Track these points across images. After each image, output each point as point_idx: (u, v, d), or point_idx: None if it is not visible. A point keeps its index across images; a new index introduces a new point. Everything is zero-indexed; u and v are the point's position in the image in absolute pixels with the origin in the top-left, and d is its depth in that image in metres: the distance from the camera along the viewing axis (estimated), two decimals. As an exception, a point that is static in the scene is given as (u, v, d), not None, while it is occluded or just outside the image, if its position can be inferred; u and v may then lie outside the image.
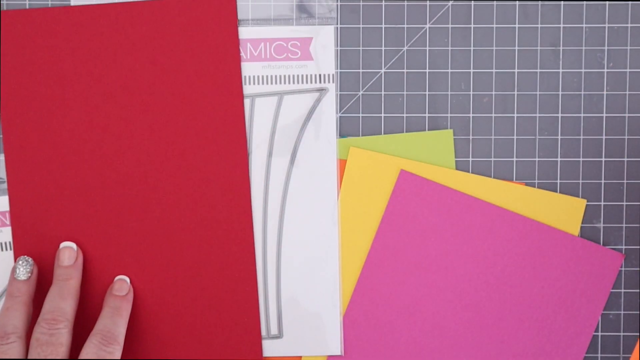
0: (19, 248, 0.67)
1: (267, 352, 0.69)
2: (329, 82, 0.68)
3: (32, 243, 0.67)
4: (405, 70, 0.69)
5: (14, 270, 0.65)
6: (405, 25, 0.69)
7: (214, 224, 0.68)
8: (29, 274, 0.65)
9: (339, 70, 0.68)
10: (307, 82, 0.68)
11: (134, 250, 0.68)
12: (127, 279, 0.68)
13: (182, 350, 0.68)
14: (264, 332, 0.69)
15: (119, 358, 0.64)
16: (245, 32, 0.68)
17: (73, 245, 0.67)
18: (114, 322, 0.65)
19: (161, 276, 0.68)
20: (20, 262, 0.66)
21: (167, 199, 0.67)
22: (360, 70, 0.69)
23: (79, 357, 0.63)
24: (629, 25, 0.69)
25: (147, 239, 0.68)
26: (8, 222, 0.68)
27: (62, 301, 0.64)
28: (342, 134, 0.69)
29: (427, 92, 0.69)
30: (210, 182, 0.67)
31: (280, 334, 0.69)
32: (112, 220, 0.67)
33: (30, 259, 0.66)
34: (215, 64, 0.67)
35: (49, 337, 0.62)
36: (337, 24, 0.68)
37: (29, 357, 0.62)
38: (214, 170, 0.67)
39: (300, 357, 0.69)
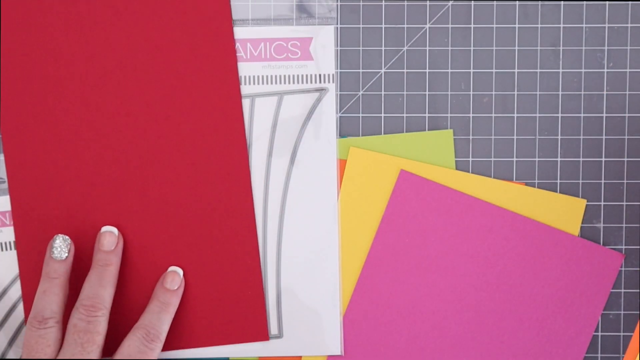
0: (22, 247, 0.67)
1: (267, 352, 0.69)
2: (328, 82, 0.68)
3: (35, 241, 0.67)
4: (405, 70, 0.69)
5: (50, 249, 0.65)
6: (405, 25, 0.69)
7: (216, 223, 0.68)
8: (67, 254, 0.65)
9: (339, 70, 0.68)
10: (307, 82, 0.68)
11: (135, 249, 0.68)
12: (180, 271, 0.67)
13: (189, 336, 0.68)
14: (264, 332, 0.69)
15: (158, 358, 0.64)
16: (245, 32, 0.68)
17: (114, 229, 0.66)
18: (159, 318, 0.65)
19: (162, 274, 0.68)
20: (57, 241, 0.65)
21: (168, 199, 0.67)
22: (360, 70, 0.69)
23: (121, 349, 0.63)
24: (629, 25, 0.69)
25: (148, 238, 0.68)
26: (8, 222, 0.68)
27: (101, 288, 0.64)
28: (342, 134, 0.69)
29: (427, 92, 0.69)
30: (211, 182, 0.67)
31: (280, 334, 0.69)
32: (113, 219, 0.67)
33: (67, 238, 0.65)
34: (211, 64, 0.67)
35: (86, 324, 0.62)
36: (337, 24, 0.68)
37: (65, 342, 0.62)
38: (215, 170, 0.67)
39: (300, 357, 0.69)
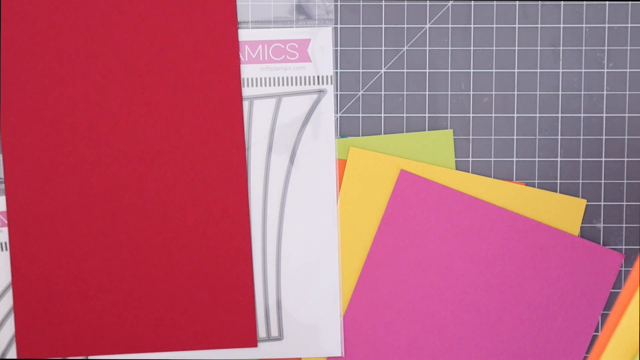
0: (16, 248, 0.68)
1: (267, 354, 0.69)
2: (327, 83, 0.68)
3: (29, 243, 0.68)
4: (405, 70, 0.69)
5: None
6: (405, 25, 0.69)
7: (211, 223, 0.68)
8: None
9: (338, 70, 0.68)
10: (305, 84, 0.68)
11: (131, 249, 0.68)
12: None
13: (175, 339, 0.68)
14: (264, 334, 0.69)
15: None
16: (243, 35, 0.68)
17: None
18: None
19: (158, 275, 0.68)
20: None
21: (165, 200, 0.68)
22: (360, 70, 0.69)
23: None
24: (629, 25, 0.68)
25: (144, 238, 0.68)
26: (7, 222, 0.68)
27: None
28: (342, 134, 0.69)
29: (427, 92, 0.69)
30: (208, 186, 0.68)
31: (280, 336, 0.69)
32: (109, 221, 0.68)
33: None
34: (214, 66, 0.67)
35: None
36: (337, 24, 0.68)
37: None
38: (212, 174, 0.67)
39: (300, 358, 0.69)
